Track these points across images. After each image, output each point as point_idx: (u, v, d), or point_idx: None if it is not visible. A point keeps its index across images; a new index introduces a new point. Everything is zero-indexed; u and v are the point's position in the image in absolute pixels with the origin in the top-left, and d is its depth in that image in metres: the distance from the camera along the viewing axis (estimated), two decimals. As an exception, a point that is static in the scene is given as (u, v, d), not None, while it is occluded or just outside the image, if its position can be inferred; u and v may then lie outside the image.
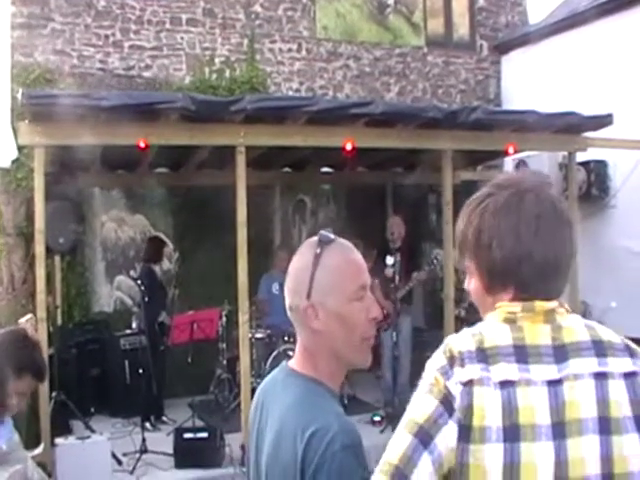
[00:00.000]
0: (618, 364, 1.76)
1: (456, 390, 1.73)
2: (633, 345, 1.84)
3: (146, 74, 11.37)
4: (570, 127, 9.44)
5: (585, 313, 10.79)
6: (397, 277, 9.31)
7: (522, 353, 1.75)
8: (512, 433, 1.69)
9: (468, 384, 1.72)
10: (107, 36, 11.18)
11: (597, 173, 11.32)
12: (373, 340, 2.03)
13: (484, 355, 1.75)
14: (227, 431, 8.15)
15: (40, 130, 7.31)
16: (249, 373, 8.11)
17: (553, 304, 1.83)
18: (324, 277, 1.97)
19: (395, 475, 1.68)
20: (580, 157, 10.24)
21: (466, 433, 1.70)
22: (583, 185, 11.16)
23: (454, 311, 9.16)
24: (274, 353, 9.34)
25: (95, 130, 7.32)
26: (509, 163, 12.20)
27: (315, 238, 2.04)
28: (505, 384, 1.72)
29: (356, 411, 9.06)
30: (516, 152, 9.94)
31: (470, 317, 11.53)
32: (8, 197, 10.13)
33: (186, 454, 7.72)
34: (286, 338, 9.45)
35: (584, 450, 1.69)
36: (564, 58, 12.09)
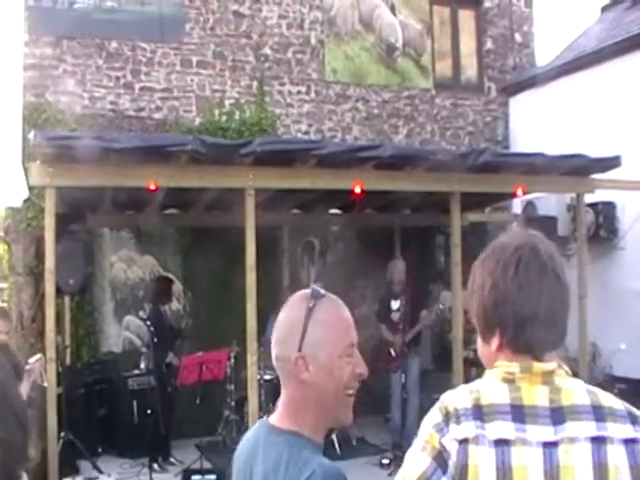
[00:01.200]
0: (618, 430, 1.73)
1: (452, 447, 1.72)
2: (636, 411, 1.81)
3: (156, 115, 11.47)
4: (578, 169, 9.46)
5: (594, 355, 10.74)
6: (402, 321, 9.31)
7: (519, 413, 1.74)
8: None
9: (463, 442, 1.72)
10: (118, 77, 11.31)
11: (605, 215, 11.33)
12: (354, 397, 2.03)
13: (480, 413, 1.74)
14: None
15: (51, 171, 7.35)
16: (257, 414, 8.07)
17: (551, 365, 1.81)
18: (316, 331, 1.97)
19: None
20: (588, 199, 10.24)
21: None
22: (591, 227, 11.15)
23: (463, 353, 9.12)
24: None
25: (106, 172, 7.38)
26: (517, 205, 12.22)
27: (306, 291, 2.05)
28: (500, 442, 1.70)
29: (364, 453, 9.02)
30: (524, 194, 9.97)
31: (479, 359, 11.48)
32: (18, 236, 10.19)
33: (194, 496, 7.69)
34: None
35: None
36: (571, 100, 12.16)
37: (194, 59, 11.78)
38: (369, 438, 10.03)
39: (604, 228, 11.34)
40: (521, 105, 13.78)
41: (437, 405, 1.83)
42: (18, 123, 10.84)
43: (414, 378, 9.54)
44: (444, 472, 1.71)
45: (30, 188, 9.17)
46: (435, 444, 1.75)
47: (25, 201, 10.21)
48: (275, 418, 2.05)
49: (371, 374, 2.17)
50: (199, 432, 9.64)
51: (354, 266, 11.98)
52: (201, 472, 7.99)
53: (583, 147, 9.73)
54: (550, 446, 1.70)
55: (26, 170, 7.76)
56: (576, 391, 1.79)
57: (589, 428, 1.72)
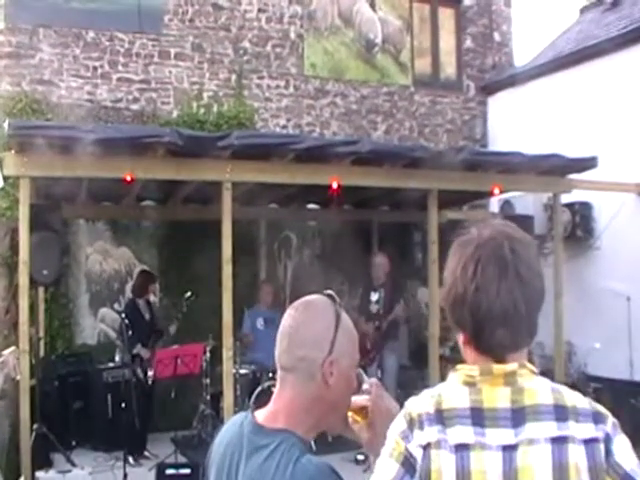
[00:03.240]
0: (579, 429, 1.71)
1: (417, 453, 1.72)
2: (601, 409, 1.78)
3: (134, 107, 11.40)
4: (555, 169, 9.51)
5: (570, 353, 10.80)
6: (381, 312, 9.33)
7: (479, 416, 1.73)
8: None
9: (427, 447, 1.71)
10: (95, 68, 11.23)
11: (582, 215, 11.39)
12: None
13: (442, 417, 1.73)
14: (206, 473, 8.06)
15: (26, 161, 7.29)
16: (233, 409, 8.05)
17: (512, 366, 1.78)
18: (344, 339, 2.02)
19: None
20: (565, 199, 10.30)
21: None
22: (568, 226, 11.22)
23: (439, 350, 9.14)
24: (258, 389, 9.28)
25: (82, 162, 7.31)
26: (495, 203, 12.26)
27: (324, 297, 2.08)
28: (460, 447, 1.70)
29: (339, 449, 8.97)
30: (501, 193, 10.01)
31: (455, 356, 11.52)
32: (-8, 227, 10.10)
33: (168, 490, 7.65)
34: (270, 374, 9.39)
35: None
36: (550, 100, 12.21)
37: (172, 51, 11.72)
38: (345, 434, 10.01)
39: (580, 228, 11.41)
40: (500, 104, 13.82)
41: (402, 412, 1.82)
42: (-7, 112, 10.74)
43: (391, 374, 9.54)
44: (412, 476, 1.71)
45: (5, 178, 9.08)
46: (402, 450, 1.74)
47: (-1, 191, 10.13)
48: (265, 417, 2.03)
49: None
50: (174, 426, 9.59)
51: (331, 261, 11.98)
52: (176, 466, 7.95)
53: (560, 147, 9.78)
54: (509, 449, 1.69)
55: (0, 160, 7.68)
56: (540, 390, 1.76)
57: (550, 428, 1.70)
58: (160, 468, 7.84)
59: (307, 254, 12.45)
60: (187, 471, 7.76)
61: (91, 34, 11.22)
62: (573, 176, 9.80)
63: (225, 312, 7.84)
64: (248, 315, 10.37)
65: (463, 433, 1.71)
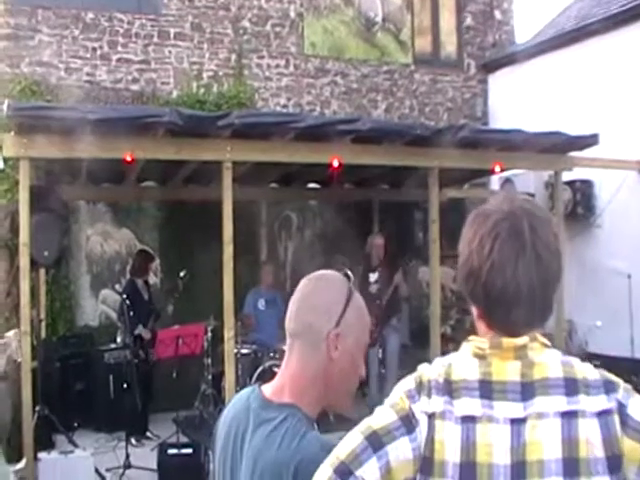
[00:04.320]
0: (591, 402, 1.68)
1: (420, 417, 1.71)
2: (612, 378, 1.75)
3: (133, 87, 11.37)
4: (556, 147, 9.47)
5: (571, 331, 10.81)
6: (379, 293, 9.35)
7: (487, 389, 1.71)
8: (468, 471, 1.65)
9: (432, 416, 1.70)
10: (95, 49, 11.18)
11: (583, 192, 11.38)
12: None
13: (450, 388, 1.72)
14: (211, 447, 8.08)
15: (26, 142, 7.26)
16: (234, 389, 8.07)
17: (523, 340, 1.76)
18: (353, 314, 2.04)
19: (339, 469, 1.67)
20: (566, 176, 10.27)
21: (429, 466, 1.67)
22: (569, 204, 11.20)
23: (440, 329, 9.14)
24: (260, 369, 9.30)
25: (81, 143, 7.26)
26: (495, 181, 12.24)
27: (339, 274, 2.12)
28: (466, 419, 1.68)
29: (341, 428, 8.95)
30: (502, 171, 9.97)
31: (456, 335, 11.54)
32: (-8, 209, 10.08)
33: (170, 470, 7.65)
34: (272, 354, 9.41)
35: None
36: (550, 78, 12.17)
37: (172, 31, 11.67)
38: (346, 413, 10.03)
39: (581, 206, 11.40)
40: (500, 82, 13.78)
41: (413, 374, 1.81)
42: (-8, 94, 10.71)
43: (393, 354, 9.57)
44: (408, 432, 1.69)
45: (4, 160, 9.06)
46: (404, 406, 1.73)
47: (-1, 173, 10.11)
48: (271, 391, 2.05)
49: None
50: (176, 406, 9.61)
51: (332, 241, 11.97)
52: (177, 446, 7.97)
53: (561, 124, 9.75)
54: (518, 423, 1.67)
55: (0, 141, 7.65)
56: (550, 364, 1.74)
57: (559, 403, 1.68)
58: (162, 448, 7.86)
59: (308, 234, 12.45)
60: (189, 451, 7.78)
61: (90, 15, 11.16)
62: (574, 154, 9.76)
63: (226, 292, 7.83)
64: (250, 296, 10.38)
65: (470, 405, 1.69)
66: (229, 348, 7.98)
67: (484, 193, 12.46)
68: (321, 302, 2.04)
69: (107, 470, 7.97)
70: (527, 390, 1.70)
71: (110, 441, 9.05)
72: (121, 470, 7.93)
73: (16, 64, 10.68)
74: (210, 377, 9.80)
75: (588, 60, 11.58)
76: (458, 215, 9.93)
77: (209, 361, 9.79)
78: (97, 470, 7.66)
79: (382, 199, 12.36)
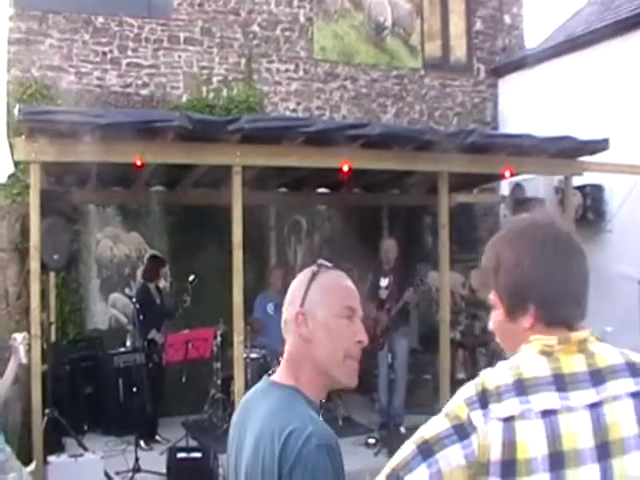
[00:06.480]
0: None
1: (478, 424, 1.76)
2: None
3: (143, 92, 11.40)
4: (566, 151, 9.46)
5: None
6: (389, 299, 9.33)
7: (561, 382, 1.81)
8: (557, 461, 1.74)
9: (509, 419, 1.76)
10: (105, 53, 11.22)
11: (593, 197, 11.34)
12: (357, 362, 2.16)
13: (523, 387, 1.80)
14: (220, 451, 8.04)
15: (36, 146, 7.29)
16: (243, 393, 8.05)
17: (585, 334, 1.92)
18: (317, 291, 2.16)
19: (390, 476, 1.76)
20: (576, 181, 10.24)
21: (511, 468, 1.73)
22: (579, 209, 11.17)
23: (449, 334, 9.12)
24: (269, 373, 9.28)
25: (91, 147, 7.29)
26: (505, 186, 12.22)
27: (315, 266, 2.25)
28: (547, 413, 1.77)
29: (350, 433, 9.01)
30: (512, 175, 9.95)
31: (465, 341, 11.52)
32: (3, 212, 10.10)
33: (179, 474, 7.66)
34: (280, 358, 9.38)
35: (629, 468, 1.76)
36: (560, 82, 12.14)
37: (182, 35, 11.69)
38: (355, 417, 10.03)
39: (592, 211, 11.36)
40: (510, 87, 13.76)
41: (474, 381, 1.88)
42: (3, 98, 10.74)
43: (402, 359, 9.53)
44: (460, 439, 1.76)
45: (15, 163, 9.09)
46: (460, 414, 1.80)
47: (10, 177, 10.13)
48: (276, 375, 2.22)
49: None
50: (185, 410, 9.63)
51: (341, 246, 11.95)
52: (187, 450, 7.98)
53: (572, 129, 9.72)
54: (595, 407, 1.79)
55: (11, 145, 7.69)
56: (609, 353, 1.91)
57: (628, 384, 1.83)
58: (171, 452, 7.86)
59: (317, 239, 12.44)
60: (198, 455, 7.78)
61: (100, 19, 11.20)
62: (584, 158, 9.74)
63: (236, 296, 7.84)
64: (259, 300, 10.37)
65: (549, 399, 1.79)
66: (238, 352, 7.99)
67: (494, 198, 12.45)
68: (290, 293, 2.23)
69: (116, 473, 7.97)
70: (596, 377, 1.84)
71: (119, 444, 9.06)
72: (130, 474, 7.93)
73: (27, 68, 10.72)
74: (219, 381, 9.79)
75: (598, 64, 11.54)
76: (467, 220, 9.93)
77: (218, 365, 9.79)
78: (106, 473, 7.65)
79: (391, 204, 12.35)
